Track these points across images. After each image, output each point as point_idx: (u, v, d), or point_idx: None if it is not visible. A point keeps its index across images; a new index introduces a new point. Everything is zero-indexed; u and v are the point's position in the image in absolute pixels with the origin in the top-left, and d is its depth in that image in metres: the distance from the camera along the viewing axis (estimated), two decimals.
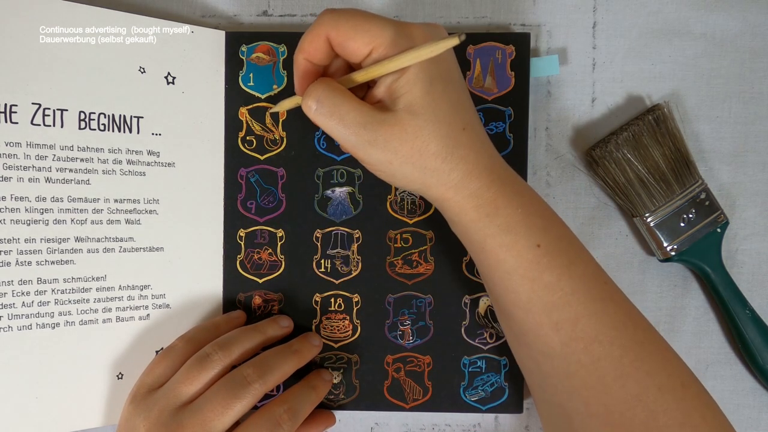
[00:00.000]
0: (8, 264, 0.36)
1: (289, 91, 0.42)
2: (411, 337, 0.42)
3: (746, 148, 0.43)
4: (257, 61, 0.42)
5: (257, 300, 0.42)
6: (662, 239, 0.41)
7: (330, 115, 0.32)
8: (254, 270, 0.42)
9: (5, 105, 0.36)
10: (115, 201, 0.39)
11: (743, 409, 0.43)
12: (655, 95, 0.43)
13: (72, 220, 0.38)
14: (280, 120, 0.42)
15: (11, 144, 0.36)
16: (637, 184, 0.41)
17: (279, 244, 0.42)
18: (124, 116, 0.39)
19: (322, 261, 0.42)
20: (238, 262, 0.42)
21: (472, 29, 0.43)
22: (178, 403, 0.35)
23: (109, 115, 0.39)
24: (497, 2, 0.43)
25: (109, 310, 0.39)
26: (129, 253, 0.39)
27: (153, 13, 0.41)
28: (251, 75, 0.42)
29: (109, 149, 0.39)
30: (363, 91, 0.35)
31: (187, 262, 0.41)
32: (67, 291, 0.37)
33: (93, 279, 0.38)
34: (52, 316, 0.37)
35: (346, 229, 0.42)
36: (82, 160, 0.38)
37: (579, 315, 0.32)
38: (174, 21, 0.41)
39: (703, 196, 0.41)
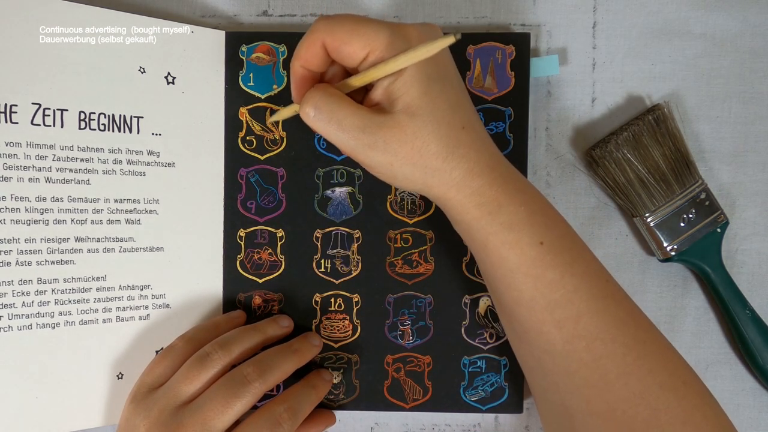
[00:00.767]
0: (8, 264, 0.36)
1: (289, 91, 0.42)
2: (411, 337, 0.42)
3: (746, 148, 0.43)
4: (257, 61, 0.42)
5: (257, 300, 0.42)
6: (662, 239, 0.41)
7: (328, 120, 0.32)
8: (254, 270, 0.42)
9: (5, 105, 0.36)
10: (115, 201, 0.39)
11: (743, 409, 0.43)
12: (655, 95, 0.43)
13: (72, 220, 0.38)
14: (280, 120, 0.42)
15: (11, 144, 0.36)
16: (637, 184, 0.41)
17: (279, 244, 0.42)
18: (124, 116, 0.39)
19: (322, 261, 0.42)
20: (238, 262, 0.42)
21: (472, 29, 0.43)
22: (178, 402, 0.35)
23: (109, 115, 0.39)
24: (497, 2, 0.43)
25: (109, 310, 0.39)
26: (129, 253, 0.39)
27: (153, 13, 0.41)
28: (251, 75, 0.42)
29: (109, 149, 0.39)
30: (361, 96, 0.35)
31: (187, 262, 0.41)
32: (67, 291, 0.37)
33: (93, 279, 0.38)
34: (52, 316, 0.37)
35: (346, 229, 0.42)
36: (82, 160, 0.38)
37: (581, 313, 0.32)
38: (174, 21, 0.41)
39: (703, 196, 0.41)
